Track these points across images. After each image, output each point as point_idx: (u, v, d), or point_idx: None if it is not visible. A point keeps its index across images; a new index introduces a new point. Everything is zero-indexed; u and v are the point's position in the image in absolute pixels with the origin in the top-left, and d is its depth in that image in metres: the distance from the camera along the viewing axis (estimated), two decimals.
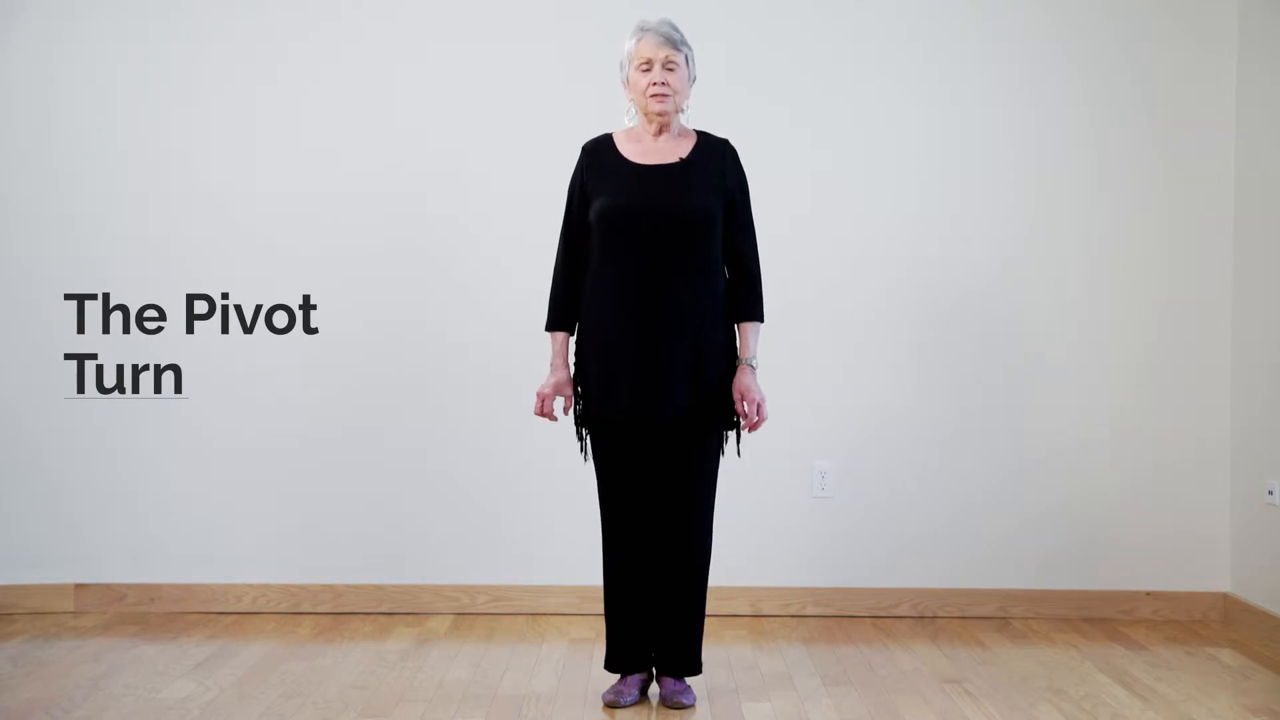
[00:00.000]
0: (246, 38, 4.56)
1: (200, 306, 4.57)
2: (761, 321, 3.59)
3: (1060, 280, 4.56)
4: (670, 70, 3.48)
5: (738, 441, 3.62)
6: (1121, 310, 4.56)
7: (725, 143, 3.59)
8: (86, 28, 4.55)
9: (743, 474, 4.26)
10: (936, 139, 4.55)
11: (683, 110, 3.56)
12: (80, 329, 4.55)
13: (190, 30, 4.55)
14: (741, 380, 3.54)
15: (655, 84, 3.47)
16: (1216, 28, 4.51)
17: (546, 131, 4.50)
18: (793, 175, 4.54)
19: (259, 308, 4.57)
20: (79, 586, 4.57)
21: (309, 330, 4.57)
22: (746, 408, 3.54)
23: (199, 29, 4.55)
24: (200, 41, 4.55)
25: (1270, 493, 4.29)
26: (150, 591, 4.57)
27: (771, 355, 4.36)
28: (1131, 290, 4.56)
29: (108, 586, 4.57)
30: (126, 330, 4.56)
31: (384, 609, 4.57)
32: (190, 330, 4.56)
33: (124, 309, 4.56)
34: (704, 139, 3.59)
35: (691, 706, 3.54)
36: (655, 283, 3.46)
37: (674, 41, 3.49)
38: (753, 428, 3.55)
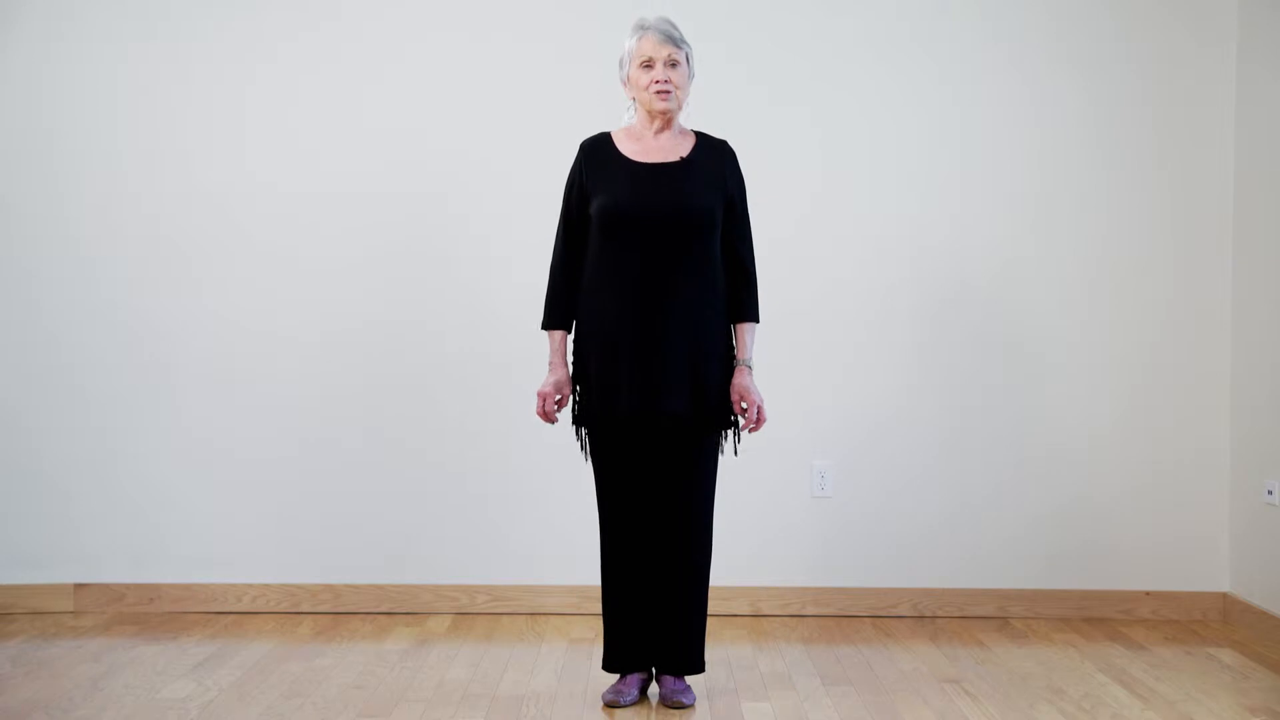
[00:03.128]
0: (247, 37, 4.56)
1: (200, 306, 4.57)
2: (758, 322, 3.59)
3: (1060, 280, 4.56)
4: (673, 67, 3.48)
5: (736, 441, 3.62)
6: (1121, 310, 4.56)
7: (724, 144, 3.60)
8: (86, 28, 4.55)
9: (743, 474, 4.26)
10: (937, 139, 4.55)
11: (680, 104, 3.55)
12: (79, 329, 4.56)
13: (190, 30, 4.55)
14: (741, 381, 3.54)
15: (659, 81, 3.47)
16: (1216, 27, 4.51)
17: (548, 129, 4.50)
18: (794, 175, 4.54)
19: (259, 308, 4.57)
20: (79, 586, 4.57)
21: (309, 330, 4.57)
22: (746, 409, 3.54)
23: (198, 29, 4.55)
24: (200, 41, 4.55)
25: (1270, 493, 4.29)
26: (150, 591, 4.57)
27: (772, 355, 4.38)
28: (1131, 290, 4.56)
29: (107, 586, 4.58)
30: (125, 330, 4.56)
31: (384, 609, 4.57)
32: (190, 330, 4.57)
33: (123, 309, 4.56)
34: (703, 139, 3.59)
35: (691, 706, 3.54)
36: (655, 282, 3.46)
37: (675, 39, 3.49)
38: (753, 429, 3.56)
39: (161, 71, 4.56)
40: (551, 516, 4.56)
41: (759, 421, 3.54)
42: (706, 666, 3.66)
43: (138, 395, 4.57)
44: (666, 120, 3.53)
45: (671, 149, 3.54)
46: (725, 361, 3.55)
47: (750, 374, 3.56)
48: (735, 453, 3.61)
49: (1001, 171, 4.56)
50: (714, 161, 3.55)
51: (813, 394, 4.56)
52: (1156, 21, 4.53)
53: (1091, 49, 4.53)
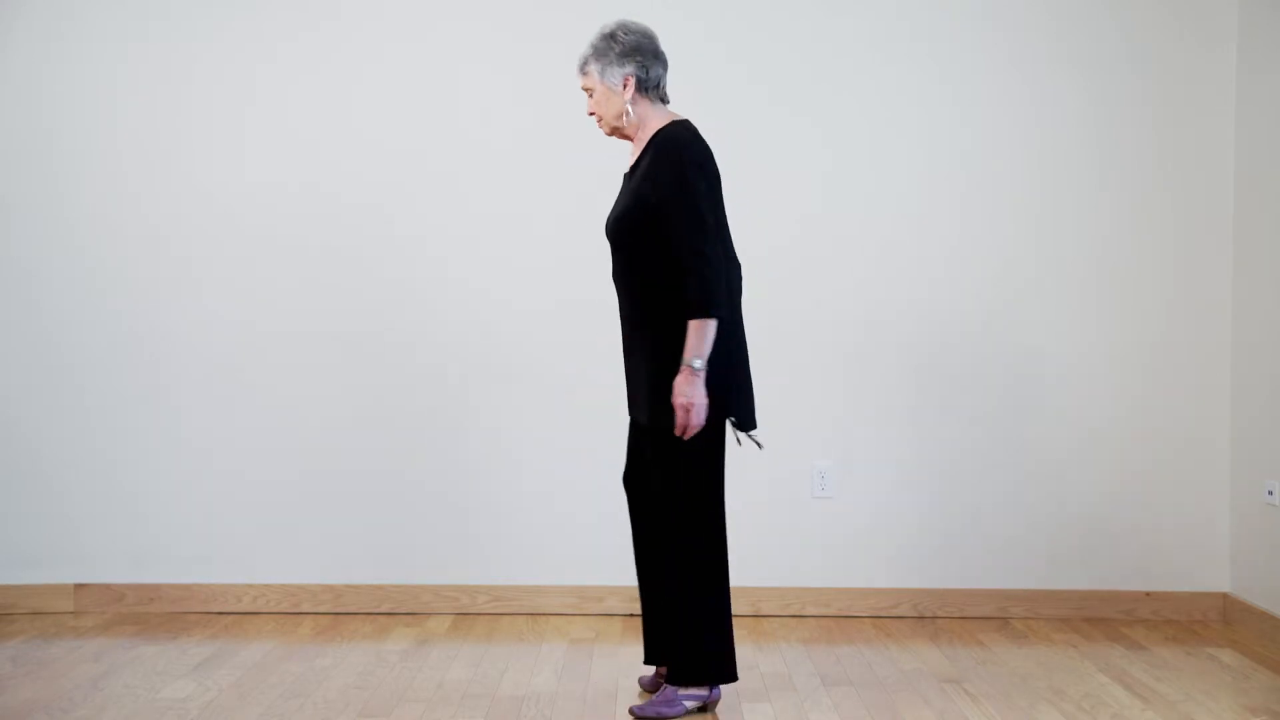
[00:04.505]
0: (247, 37, 4.56)
1: (200, 307, 4.57)
2: (699, 317, 3.29)
3: (1060, 279, 4.56)
4: (590, 94, 3.45)
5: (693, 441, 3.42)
6: (1122, 310, 4.56)
7: (663, 132, 3.39)
8: (86, 28, 4.55)
9: (743, 474, 4.26)
10: (937, 139, 4.55)
11: (627, 113, 3.42)
12: (79, 329, 4.56)
13: (190, 30, 4.55)
14: (676, 383, 3.32)
15: (590, 113, 3.51)
16: (1216, 27, 4.51)
17: (551, 128, 4.51)
18: (798, 176, 4.54)
19: (259, 308, 4.57)
20: (79, 586, 4.57)
21: (309, 331, 4.57)
22: (677, 412, 3.33)
23: (198, 29, 4.55)
24: (200, 41, 4.55)
25: (1270, 493, 4.29)
26: (150, 591, 4.57)
27: (773, 355, 4.38)
28: (1132, 290, 4.56)
29: (107, 586, 4.57)
30: (125, 330, 4.56)
31: (384, 609, 4.57)
32: (190, 330, 4.57)
33: (123, 309, 4.56)
34: (656, 136, 3.41)
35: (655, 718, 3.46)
36: (620, 294, 3.49)
37: (582, 66, 3.44)
38: (683, 433, 3.35)
39: (161, 71, 4.56)
40: (551, 517, 4.56)
41: (686, 426, 3.33)
42: (701, 680, 3.49)
43: (138, 395, 4.57)
44: (623, 137, 3.49)
45: (635, 157, 3.51)
46: (676, 365, 3.36)
47: (690, 373, 3.29)
48: (739, 442, 3.53)
49: (1001, 171, 4.56)
50: (650, 159, 3.39)
51: (813, 394, 4.55)
52: (1156, 21, 4.53)
53: (1091, 49, 4.53)
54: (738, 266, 3.50)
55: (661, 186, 3.33)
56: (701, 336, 3.29)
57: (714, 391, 3.37)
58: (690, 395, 3.30)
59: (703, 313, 3.28)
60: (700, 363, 3.30)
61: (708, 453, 3.44)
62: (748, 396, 3.48)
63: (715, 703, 3.53)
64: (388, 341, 4.57)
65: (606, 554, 4.51)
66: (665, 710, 3.46)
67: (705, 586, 3.47)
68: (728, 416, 3.44)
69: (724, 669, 3.50)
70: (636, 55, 3.41)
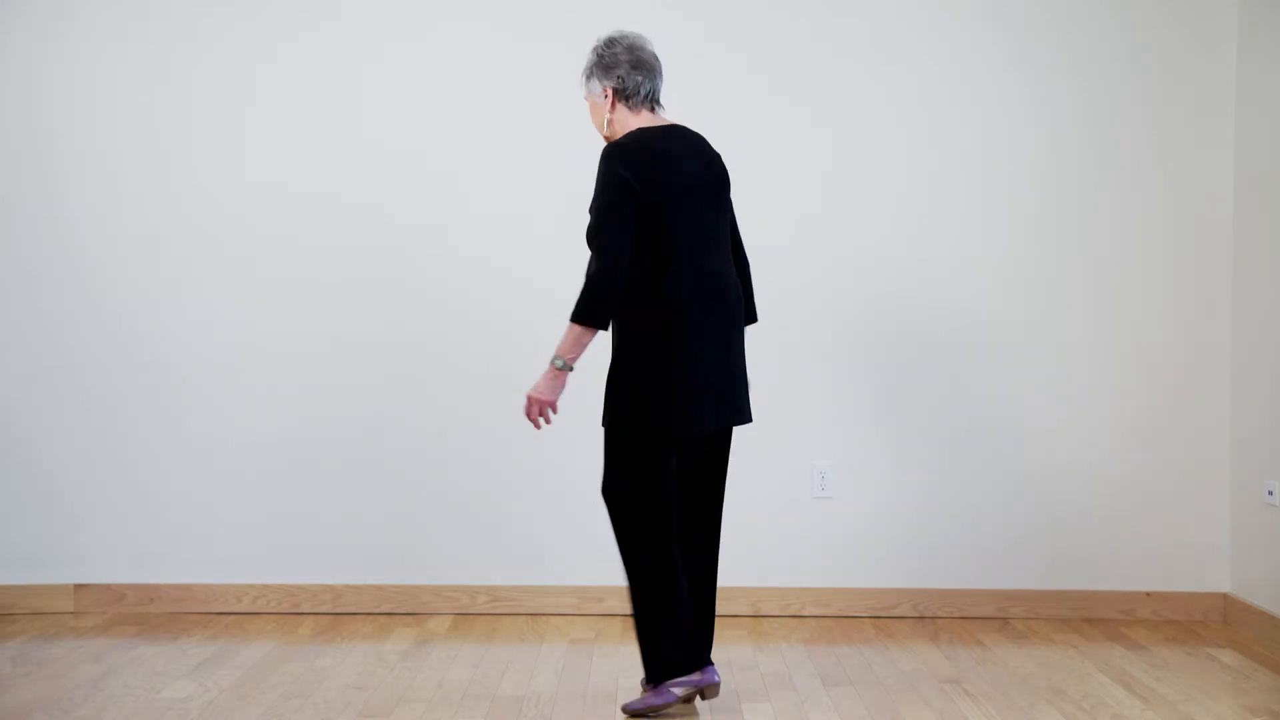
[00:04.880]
0: (247, 37, 4.56)
1: (199, 306, 4.57)
2: (573, 321, 3.39)
3: (1060, 280, 4.56)
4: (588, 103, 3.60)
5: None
6: (1122, 310, 4.56)
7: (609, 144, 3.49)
8: (86, 28, 4.55)
9: (743, 474, 4.26)
10: (938, 139, 4.55)
11: (610, 122, 3.52)
12: (79, 329, 4.56)
13: (190, 30, 4.55)
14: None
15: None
16: (1216, 27, 4.51)
17: (553, 126, 4.51)
18: (798, 175, 4.54)
19: (258, 308, 4.56)
20: (79, 587, 4.57)
21: (309, 330, 4.57)
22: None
23: (198, 29, 4.55)
24: (200, 41, 4.55)
25: (1270, 493, 4.29)
26: (150, 591, 4.57)
27: (773, 354, 4.39)
28: (1131, 291, 4.56)
29: (108, 587, 4.57)
30: (125, 330, 4.56)
31: (384, 609, 4.57)
32: (189, 330, 4.57)
33: (123, 309, 4.56)
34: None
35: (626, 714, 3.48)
36: None
37: (580, 80, 3.57)
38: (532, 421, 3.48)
39: (161, 71, 4.56)
40: (552, 517, 4.56)
41: (528, 415, 3.46)
42: (649, 679, 3.49)
43: (138, 395, 4.57)
44: None
45: None
46: (613, 363, 3.46)
47: (550, 369, 3.43)
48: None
49: (1001, 171, 4.56)
50: None
51: (813, 394, 4.55)
52: (1156, 21, 4.53)
53: (1091, 49, 4.53)
54: (711, 271, 3.46)
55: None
56: (570, 340, 3.40)
57: (636, 397, 3.41)
58: (537, 389, 3.45)
59: (575, 318, 3.39)
60: (560, 362, 3.42)
61: (635, 456, 3.45)
62: (689, 400, 3.42)
63: (711, 685, 3.47)
64: (387, 341, 4.57)
65: (607, 554, 4.47)
66: (654, 700, 3.47)
67: (646, 585, 3.48)
68: (656, 422, 3.42)
69: (667, 663, 3.46)
70: (616, 68, 3.50)
